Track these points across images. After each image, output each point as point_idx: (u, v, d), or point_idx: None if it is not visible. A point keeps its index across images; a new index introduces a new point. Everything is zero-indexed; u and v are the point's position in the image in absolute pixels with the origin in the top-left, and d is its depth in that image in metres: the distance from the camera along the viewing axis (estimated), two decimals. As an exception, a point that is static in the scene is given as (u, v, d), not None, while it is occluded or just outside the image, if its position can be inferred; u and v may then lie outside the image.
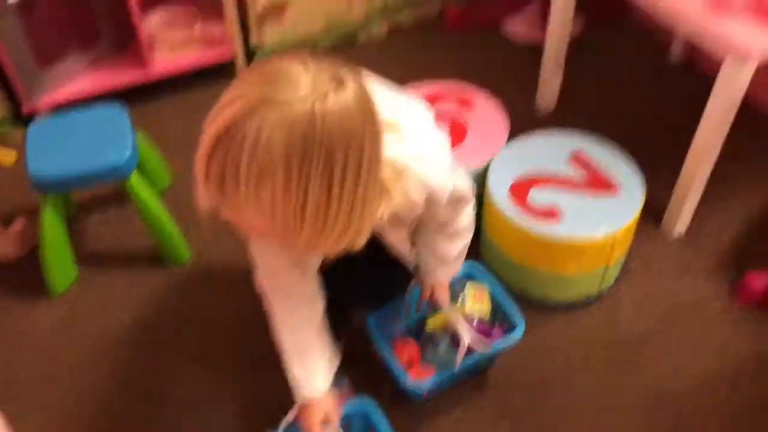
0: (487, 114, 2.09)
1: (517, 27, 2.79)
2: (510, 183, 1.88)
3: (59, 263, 1.97)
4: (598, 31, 2.79)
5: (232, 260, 2.06)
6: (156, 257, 2.07)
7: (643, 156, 2.01)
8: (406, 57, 2.69)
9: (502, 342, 1.62)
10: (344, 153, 0.86)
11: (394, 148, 1.04)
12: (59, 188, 1.89)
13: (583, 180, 1.90)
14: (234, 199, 0.88)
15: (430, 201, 1.20)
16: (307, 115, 0.83)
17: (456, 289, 1.64)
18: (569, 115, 2.43)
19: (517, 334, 1.61)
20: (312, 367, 1.35)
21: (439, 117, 2.05)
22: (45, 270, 1.96)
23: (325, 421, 1.37)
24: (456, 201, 1.36)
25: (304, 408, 1.37)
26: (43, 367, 1.85)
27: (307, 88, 0.84)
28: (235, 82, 0.89)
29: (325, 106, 0.84)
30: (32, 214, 2.05)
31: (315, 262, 1.33)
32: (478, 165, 1.94)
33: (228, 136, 0.84)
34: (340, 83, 0.86)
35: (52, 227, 1.90)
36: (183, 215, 2.06)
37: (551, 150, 1.98)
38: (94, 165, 1.83)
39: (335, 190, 0.87)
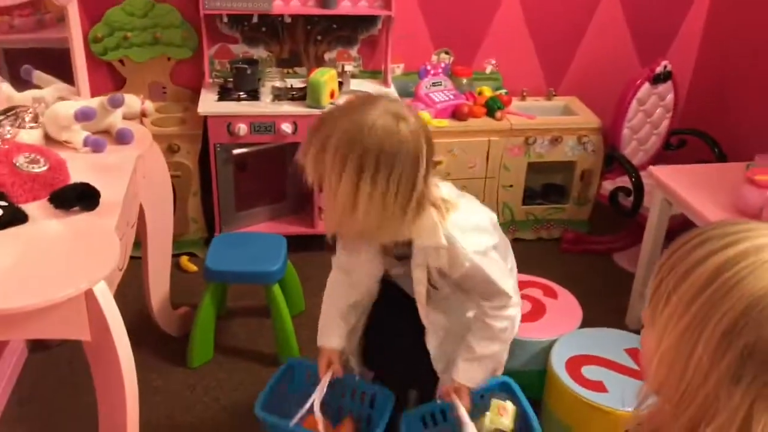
0: (566, 305, 2.46)
1: (623, 260, 3.18)
2: (568, 357, 2.19)
3: (202, 342, 2.52)
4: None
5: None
6: (274, 360, 2.55)
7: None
8: (523, 262, 3.14)
9: None
10: (376, 159, 1.35)
11: (447, 216, 1.53)
12: (222, 278, 2.49)
13: (634, 370, 2.16)
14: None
15: (453, 262, 1.57)
16: (363, 125, 1.36)
17: (481, 402, 1.79)
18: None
19: None
20: (330, 325, 1.86)
21: (523, 297, 2.46)
22: (190, 345, 2.51)
23: (329, 365, 1.82)
24: (492, 294, 1.65)
25: (320, 351, 1.85)
26: (162, 418, 2.32)
27: (376, 111, 1.38)
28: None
29: (377, 122, 1.35)
30: (194, 308, 2.65)
31: (364, 260, 1.77)
32: (546, 337, 2.29)
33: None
34: (402, 116, 1.38)
35: (206, 311, 2.48)
36: (302, 337, 2.57)
37: (612, 341, 2.28)
38: (251, 268, 2.44)
39: (362, 185, 1.37)
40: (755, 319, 0.72)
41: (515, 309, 1.76)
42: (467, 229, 1.58)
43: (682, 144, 3.29)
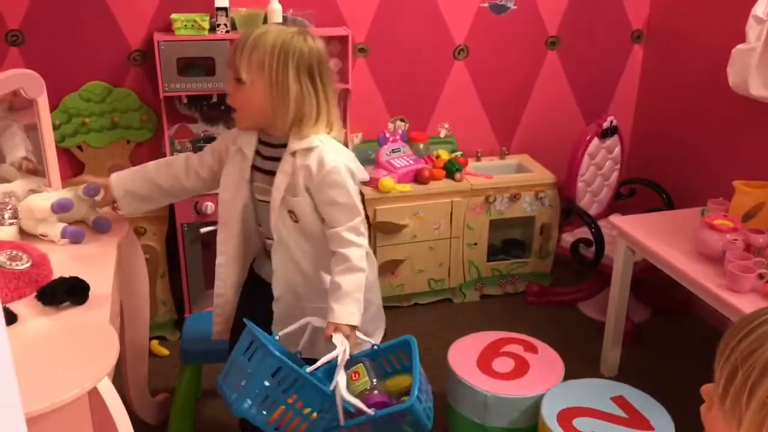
0: (547, 359, 2.51)
1: (589, 309, 3.28)
2: (558, 411, 2.23)
3: (181, 426, 2.45)
4: (664, 320, 3.23)
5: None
6: (257, 438, 2.50)
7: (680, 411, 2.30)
8: (493, 318, 3.21)
9: (388, 410, 1.68)
10: (308, 63, 1.80)
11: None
12: (200, 359, 2.44)
13: (622, 418, 2.21)
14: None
15: (320, 168, 1.80)
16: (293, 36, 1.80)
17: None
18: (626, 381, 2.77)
19: (405, 404, 1.67)
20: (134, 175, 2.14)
21: (505, 354, 2.51)
22: (170, 430, 2.43)
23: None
24: (350, 216, 1.85)
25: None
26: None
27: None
28: None
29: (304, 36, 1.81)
30: (171, 394, 2.59)
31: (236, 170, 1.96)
32: (533, 393, 2.32)
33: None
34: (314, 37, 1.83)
35: (185, 395, 2.42)
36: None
37: (597, 392, 2.33)
38: (227, 346, 2.40)
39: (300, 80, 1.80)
40: None
41: (365, 240, 1.92)
42: (341, 151, 1.88)
43: (632, 193, 3.45)
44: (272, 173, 1.88)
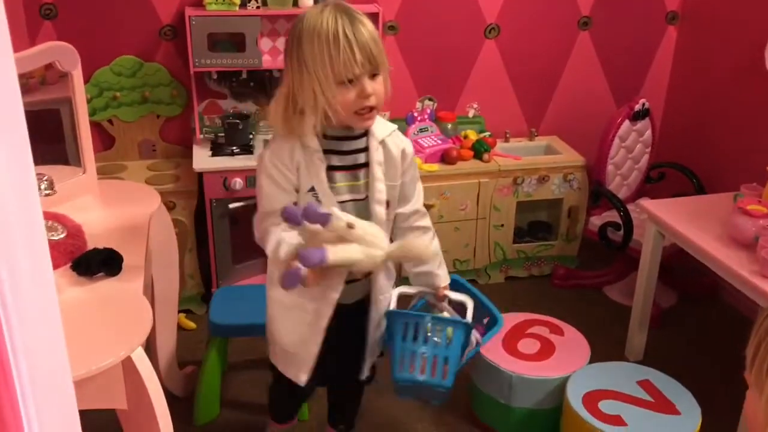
0: (573, 341, 2.50)
1: (615, 293, 3.26)
2: (583, 393, 2.23)
3: (208, 398, 2.48)
4: (691, 305, 3.20)
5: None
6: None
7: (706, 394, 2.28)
8: (518, 299, 3.21)
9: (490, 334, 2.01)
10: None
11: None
12: (227, 333, 2.47)
13: (648, 401, 2.20)
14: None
15: (405, 156, 1.79)
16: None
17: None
18: (652, 366, 2.76)
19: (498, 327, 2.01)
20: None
21: (531, 335, 2.51)
22: (196, 403, 2.47)
23: None
24: (419, 192, 1.89)
25: None
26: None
27: None
28: None
29: None
30: (198, 367, 2.62)
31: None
32: (559, 375, 2.32)
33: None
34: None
35: (212, 367, 2.45)
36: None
37: (622, 375, 2.32)
38: (257, 320, 2.40)
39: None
40: None
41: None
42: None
43: (661, 177, 3.41)
44: (354, 168, 1.76)
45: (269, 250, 1.68)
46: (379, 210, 1.77)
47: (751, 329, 0.86)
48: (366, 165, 1.76)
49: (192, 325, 3.00)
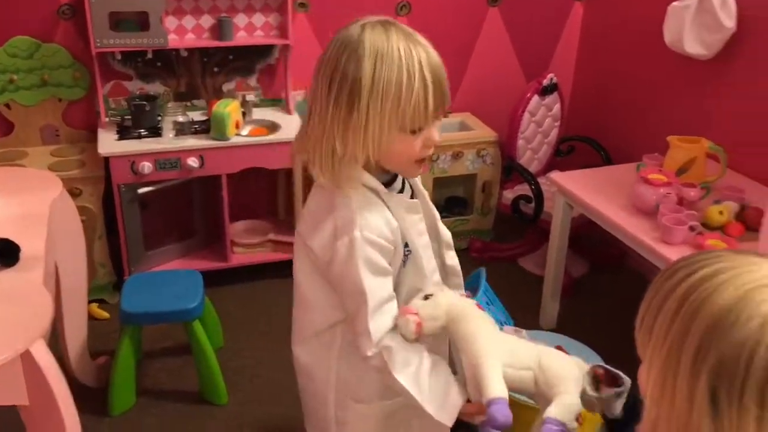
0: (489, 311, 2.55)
1: (529, 264, 3.35)
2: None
3: (123, 388, 2.42)
4: (600, 273, 3.33)
5: (265, 410, 2.47)
6: (200, 398, 2.50)
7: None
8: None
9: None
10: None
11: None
12: (140, 321, 2.41)
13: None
14: None
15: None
16: None
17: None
18: (565, 333, 2.85)
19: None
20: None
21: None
22: (110, 392, 2.40)
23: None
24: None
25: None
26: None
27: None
28: None
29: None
30: (111, 356, 2.55)
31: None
32: (474, 346, 2.37)
33: None
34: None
35: (125, 356, 2.39)
36: (226, 373, 2.53)
37: (542, 341, 2.39)
38: (170, 307, 2.38)
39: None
40: (716, 338, 0.73)
41: None
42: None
43: (571, 150, 3.51)
44: None
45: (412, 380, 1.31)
46: (453, 255, 1.54)
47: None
48: None
49: (105, 314, 2.91)
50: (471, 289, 1.83)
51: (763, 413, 0.70)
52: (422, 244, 1.40)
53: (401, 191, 1.40)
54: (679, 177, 2.49)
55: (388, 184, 1.37)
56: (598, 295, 3.21)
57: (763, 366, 0.70)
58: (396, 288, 1.38)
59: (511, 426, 1.18)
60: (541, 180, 3.20)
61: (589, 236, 3.28)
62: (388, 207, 1.34)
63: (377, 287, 1.31)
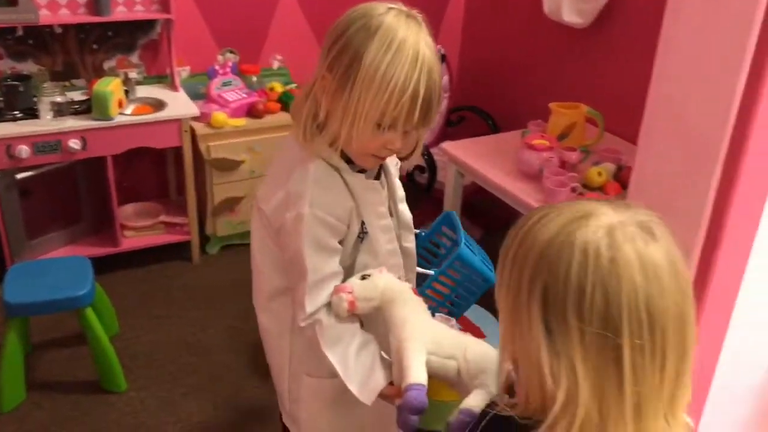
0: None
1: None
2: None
3: (12, 383, 2.31)
4: (493, 237, 3.43)
5: (166, 394, 2.42)
6: (97, 387, 2.42)
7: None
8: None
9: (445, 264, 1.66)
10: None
11: None
12: (26, 311, 2.30)
13: (457, 329, 2.35)
14: None
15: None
16: None
17: None
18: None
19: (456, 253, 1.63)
20: None
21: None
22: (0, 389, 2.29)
23: None
24: None
25: None
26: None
27: None
28: None
29: None
30: (-2, 350, 2.43)
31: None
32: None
33: None
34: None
35: (12, 349, 2.28)
36: (123, 359, 2.47)
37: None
38: (58, 295, 2.28)
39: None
40: (541, 270, 0.81)
41: None
42: None
43: (461, 120, 3.59)
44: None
45: (342, 359, 1.33)
46: (412, 239, 1.51)
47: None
48: None
49: (-14, 308, 2.76)
50: (437, 233, 1.82)
51: (583, 326, 0.79)
52: (380, 225, 1.38)
53: (362, 171, 1.36)
54: (561, 142, 2.61)
55: (351, 161, 1.33)
56: (493, 258, 3.31)
57: (577, 284, 0.79)
58: (350, 267, 1.38)
59: (425, 411, 1.20)
60: (433, 150, 3.27)
61: (481, 202, 3.38)
62: (348, 186, 1.32)
63: (320, 264, 1.30)
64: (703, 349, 1.09)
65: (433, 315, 1.41)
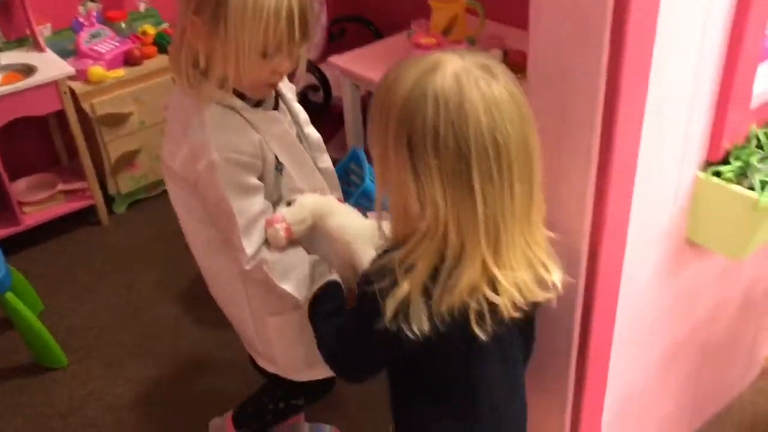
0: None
1: (331, 149, 3.43)
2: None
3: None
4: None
5: (108, 361, 2.41)
6: (37, 368, 2.38)
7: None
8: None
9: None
10: None
11: None
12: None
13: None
14: None
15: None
16: None
17: None
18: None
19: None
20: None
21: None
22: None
23: None
24: None
25: None
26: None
27: None
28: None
29: None
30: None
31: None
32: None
33: None
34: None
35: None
36: (58, 335, 2.43)
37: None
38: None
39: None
40: (405, 121, 0.94)
41: None
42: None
43: (343, 32, 3.56)
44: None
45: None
46: (326, 158, 1.57)
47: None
48: None
49: None
50: (347, 169, 1.88)
51: (440, 163, 0.93)
52: (293, 154, 1.40)
53: (258, 105, 1.37)
54: (446, 37, 2.65)
55: (243, 97, 1.33)
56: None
57: (432, 129, 0.92)
58: (277, 202, 1.39)
59: None
60: (322, 66, 3.24)
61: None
62: (250, 123, 1.32)
63: (245, 206, 1.32)
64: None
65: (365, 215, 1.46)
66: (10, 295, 2.26)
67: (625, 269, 1.31)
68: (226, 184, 1.29)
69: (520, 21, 2.83)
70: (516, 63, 2.51)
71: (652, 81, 1.11)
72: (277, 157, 1.38)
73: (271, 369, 1.62)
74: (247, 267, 1.35)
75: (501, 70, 0.96)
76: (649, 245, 1.38)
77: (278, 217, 1.34)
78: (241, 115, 1.32)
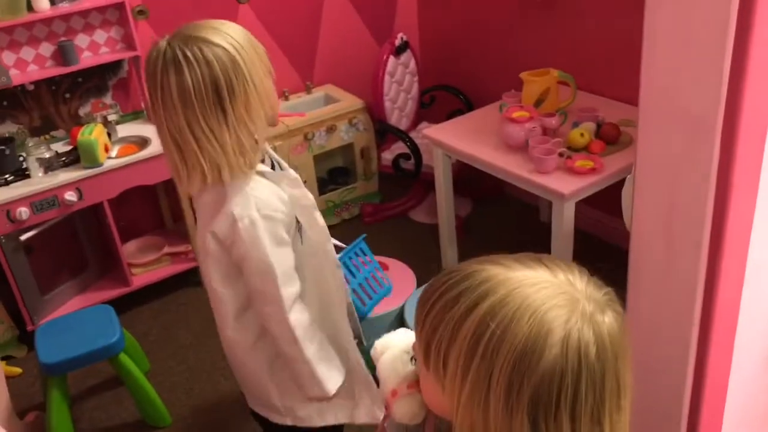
0: (399, 272, 2.71)
1: (420, 215, 3.53)
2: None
3: (64, 439, 2.39)
4: (484, 207, 3.55)
5: (209, 418, 2.51)
6: (144, 426, 2.50)
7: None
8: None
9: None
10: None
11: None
12: (64, 369, 2.36)
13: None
14: None
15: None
16: None
17: None
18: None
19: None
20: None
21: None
22: (52, 448, 2.36)
23: None
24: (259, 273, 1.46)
25: None
26: None
27: None
28: None
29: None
30: (40, 410, 2.49)
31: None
32: (396, 306, 2.52)
33: None
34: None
35: (58, 406, 2.35)
36: (162, 394, 2.55)
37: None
38: (92, 347, 2.35)
39: None
40: (526, 373, 0.74)
41: (278, 297, 1.64)
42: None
43: (433, 100, 3.68)
44: None
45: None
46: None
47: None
48: None
49: (17, 370, 2.81)
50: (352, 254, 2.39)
51: (574, 425, 0.75)
52: (306, 215, 1.54)
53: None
54: (538, 109, 2.71)
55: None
56: (487, 228, 3.42)
57: (573, 387, 0.74)
58: (299, 268, 1.52)
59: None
60: (413, 134, 3.35)
61: (468, 176, 3.49)
62: (277, 184, 1.47)
63: (282, 258, 1.44)
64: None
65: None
66: (123, 356, 2.40)
67: (735, 357, 1.31)
68: (266, 238, 1.41)
69: (613, 92, 2.89)
70: (609, 135, 2.54)
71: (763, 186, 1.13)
72: (298, 221, 1.52)
73: (285, 421, 1.71)
74: (287, 317, 1.47)
75: (613, 299, 0.80)
76: (758, 333, 1.38)
77: (403, 388, 1.04)
78: (269, 180, 1.46)
